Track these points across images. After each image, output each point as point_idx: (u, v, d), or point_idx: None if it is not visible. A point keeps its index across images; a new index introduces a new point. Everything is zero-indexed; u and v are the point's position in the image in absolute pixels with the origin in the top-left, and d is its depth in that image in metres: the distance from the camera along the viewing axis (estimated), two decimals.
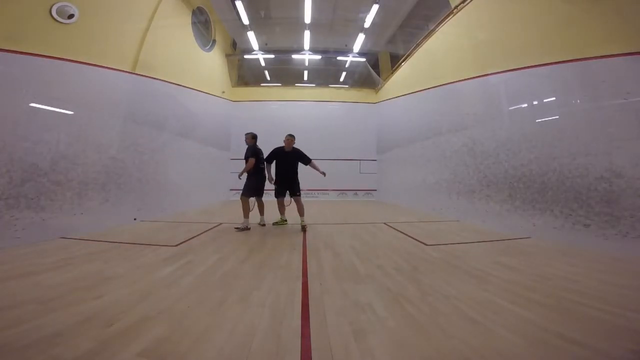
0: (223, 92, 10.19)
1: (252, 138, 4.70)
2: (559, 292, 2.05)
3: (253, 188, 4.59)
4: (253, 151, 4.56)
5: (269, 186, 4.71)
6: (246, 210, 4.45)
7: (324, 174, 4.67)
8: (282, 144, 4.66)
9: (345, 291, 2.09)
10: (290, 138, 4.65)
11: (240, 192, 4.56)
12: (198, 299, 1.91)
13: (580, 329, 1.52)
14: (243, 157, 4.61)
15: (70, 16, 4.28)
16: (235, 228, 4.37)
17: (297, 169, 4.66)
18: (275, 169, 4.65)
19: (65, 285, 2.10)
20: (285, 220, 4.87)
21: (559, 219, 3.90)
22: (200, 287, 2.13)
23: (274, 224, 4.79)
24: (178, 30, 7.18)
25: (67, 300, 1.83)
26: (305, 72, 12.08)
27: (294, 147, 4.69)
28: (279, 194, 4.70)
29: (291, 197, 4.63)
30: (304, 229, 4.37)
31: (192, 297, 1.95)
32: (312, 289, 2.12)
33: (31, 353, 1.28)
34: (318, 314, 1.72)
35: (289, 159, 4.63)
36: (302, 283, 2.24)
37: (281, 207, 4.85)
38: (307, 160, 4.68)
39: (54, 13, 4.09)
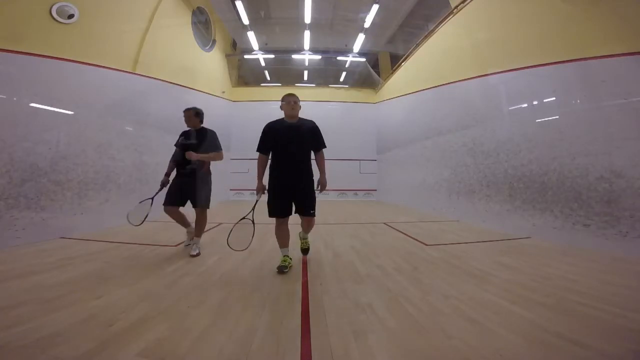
0: (223, 92, 10.18)
1: (197, 115, 3.22)
2: (559, 292, 2.06)
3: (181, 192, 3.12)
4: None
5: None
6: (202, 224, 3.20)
7: (322, 186, 2.63)
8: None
9: (345, 291, 2.09)
10: (291, 98, 2.60)
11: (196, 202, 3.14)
12: (198, 299, 1.91)
13: (580, 329, 1.52)
14: (189, 143, 3.17)
15: (70, 16, 4.28)
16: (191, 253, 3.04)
17: (309, 156, 2.63)
18: (271, 162, 2.62)
19: (65, 285, 2.10)
20: (291, 259, 2.65)
21: (559, 219, 3.90)
22: (200, 287, 2.13)
23: (278, 267, 2.53)
24: (178, 30, 7.17)
25: (67, 300, 1.83)
26: (305, 72, 12.08)
27: (300, 118, 2.69)
28: (278, 211, 2.53)
29: (303, 216, 2.63)
30: (305, 252, 2.95)
31: (192, 297, 1.95)
32: (312, 289, 2.12)
33: (31, 353, 1.28)
34: (318, 314, 1.72)
35: (293, 137, 2.54)
36: (302, 283, 2.25)
37: (282, 235, 2.65)
38: (322, 145, 2.68)
39: (54, 13, 4.09)
